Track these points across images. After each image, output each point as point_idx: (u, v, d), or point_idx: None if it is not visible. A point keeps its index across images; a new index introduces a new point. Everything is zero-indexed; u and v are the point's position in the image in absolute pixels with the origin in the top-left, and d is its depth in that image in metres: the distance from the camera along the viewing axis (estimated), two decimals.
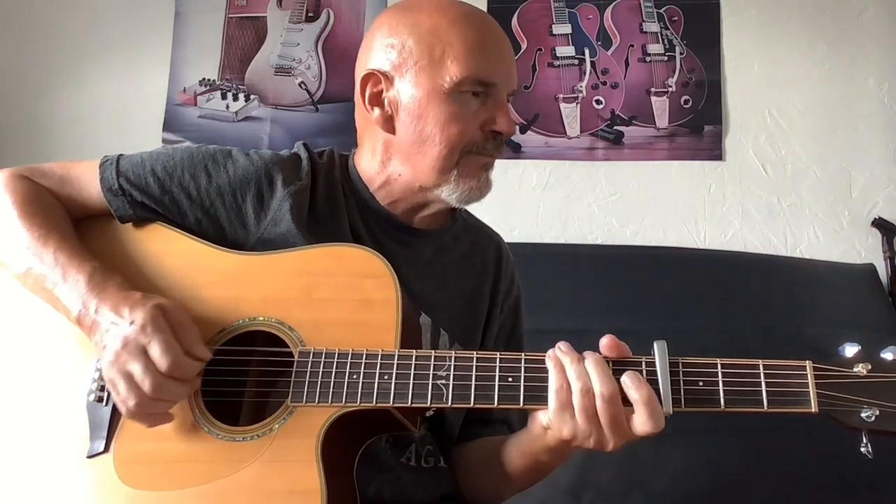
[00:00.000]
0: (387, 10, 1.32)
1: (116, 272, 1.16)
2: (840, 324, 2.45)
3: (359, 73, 1.30)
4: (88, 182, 1.26)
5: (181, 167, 1.26)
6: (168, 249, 1.23)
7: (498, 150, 1.27)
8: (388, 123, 1.27)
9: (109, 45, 3.11)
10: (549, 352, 1.05)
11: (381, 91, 1.27)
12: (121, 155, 1.28)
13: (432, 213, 1.35)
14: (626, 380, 1.02)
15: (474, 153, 1.25)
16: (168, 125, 3.06)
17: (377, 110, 1.27)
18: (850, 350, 1.03)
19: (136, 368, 1.04)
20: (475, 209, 1.50)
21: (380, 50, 1.27)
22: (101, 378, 1.13)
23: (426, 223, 1.37)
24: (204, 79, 3.09)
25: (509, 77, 1.27)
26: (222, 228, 1.26)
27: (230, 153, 1.29)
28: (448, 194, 1.27)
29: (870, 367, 1.01)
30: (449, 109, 1.23)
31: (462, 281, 1.38)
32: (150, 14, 3.13)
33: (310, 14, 3.11)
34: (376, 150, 1.31)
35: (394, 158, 1.30)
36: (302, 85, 3.06)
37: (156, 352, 1.04)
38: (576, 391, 1.01)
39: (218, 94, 3.07)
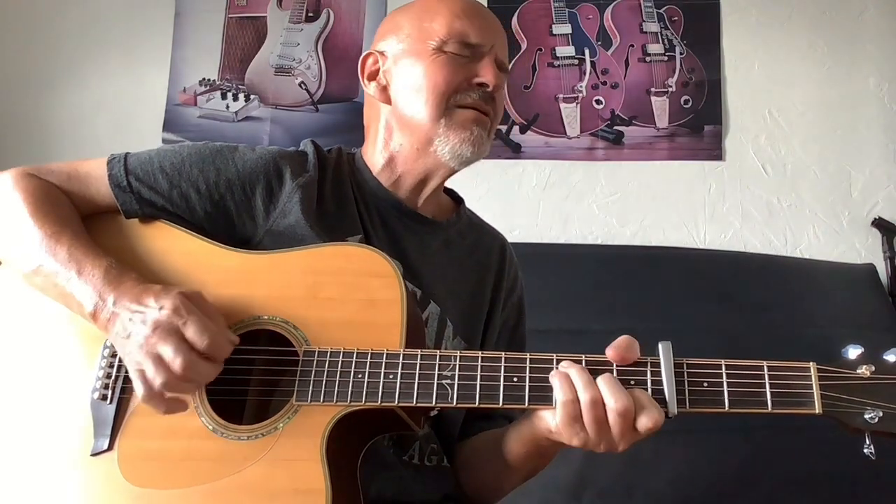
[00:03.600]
0: None
1: (132, 268, 1.16)
2: (840, 324, 2.46)
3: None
4: (96, 178, 1.26)
5: (189, 162, 1.27)
6: (172, 248, 1.23)
7: (486, 102, 1.32)
8: (384, 93, 1.37)
9: (110, 46, 3.11)
10: (555, 363, 1.05)
11: (378, 67, 1.39)
12: (128, 152, 1.29)
13: (435, 191, 1.38)
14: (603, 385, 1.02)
15: (463, 107, 1.31)
16: (168, 125, 3.06)
17: (373, 84, 1.39)
18: (854, 352, 1.04)
19: (167, 349, 1.03)
20: (478, 209, 1.51)
21: (379, 36, 1.42)
22: (105, 376, 1.14)
23: (432, 209, 1.40)
24: (204, 79, 3.09)
25: (493, 43, 1.34)
26: (231, 222, 1.27)
27: (237, 148, 1.31)
28: (442, 148, 1.31)
29: (873, 368, 1.01)
30: (437, 62, 1.32)
31: (466, 276, 1.40)
32: (150, 14, 3.13)
33: (310, 14, 3.11)
34: (379, 132, 1.38)
35: (394, 131, 1.36)
36: (302, 85, 3.06)
37: (192, 331, 1.04)
38: (585, 403, 1.01)
39: (218, 94, 3.07)
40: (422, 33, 1.34)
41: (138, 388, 1.05)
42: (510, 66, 2.89)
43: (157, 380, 1.04)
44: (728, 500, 2.20)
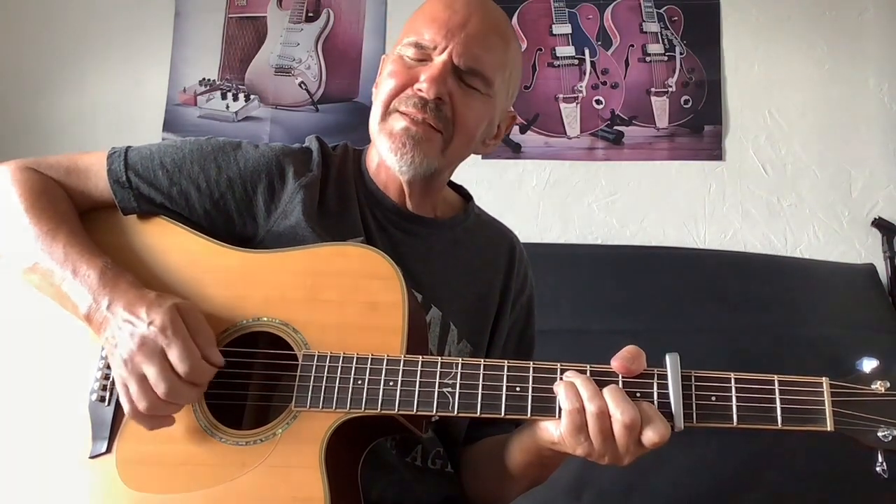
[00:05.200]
0: None
1: (129, 269, 1.14)
2: (840, 324, 2.46)
3: None
4: (96, 173, 1.25)
5: (190, 159, 1.25)
6: (172, 245, 1.22)
7: (422, 110, 1.22)
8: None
9: (109, 46, 3.11)
10: (559, 373, 1.04)
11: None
12: (129, 147, 1.27)
13: (424, 195, 1.34)
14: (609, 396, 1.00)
15: (398, 111, 1.24)
16: (168, 125, 3.06)
17: (374, 90, 1.33)
18: (868, 365, 1.00)
19: (152, 371, 1.03)
20: (483, 208, 1.49)
21: None
22: (104, 378, 1.13)
23: (432, 211, 1.37)
24: (204, 79, 3.09)
25: (454, 45, 1.24)
26: (231, 221, 1.26)
27: (239, 145, 1.29)
28: (380, 152, 1.27)
29: (888, 384, 0.98)
30: (391, 68, 1.28)
31: (474, 276, 1.37)
32: (150, 14, 3.13)
33: (310, 14, 3.11)
34: None
35: None
36: (302, 85, 3.06)
37: (174, 356, 1.03)
38: (591, 414, 0.99)
39: (218, 94, 3.07)
40: (400, 35, 1.30)
41: (124, 406, 1.06)
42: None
43: (141, 403, 1.04)
44: (728, 501, 2.20)
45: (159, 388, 1.03)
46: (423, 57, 1.25)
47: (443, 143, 1.26)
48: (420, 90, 1.22)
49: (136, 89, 3.08)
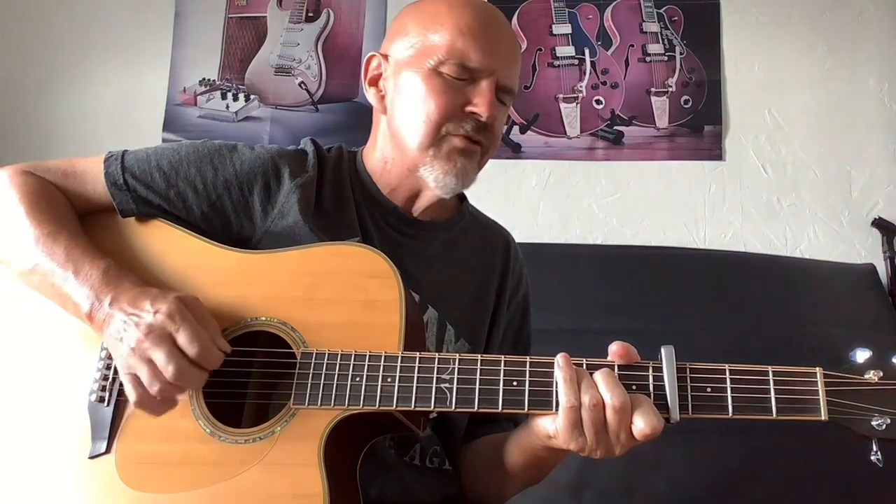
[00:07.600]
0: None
1: (131, 270, 1.15)
2: (840, 324, 2.46)
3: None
4: (93, 177, 1.25)
5: (186, 161, 1.26)
6: (170, 247, 1.22)
7: (477, 132, 1.25)
8: (382, 103, 1.33)
9: (109, 45, 3.12)
10: (558, 358, 1.04)
11: (381, 72, 1.33)
12: (125, 150, 1.28)
13: (431, 202, 1.34)
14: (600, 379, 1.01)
15: (452, 135, 1.25)
16: (168, 125, 3.06)
17: (373, 90, 1.34)
18: (862, 355, 1.01)
19: (160, 354, 1.03)
20: (483, 208, 1.50)
21: (388, 35, 1.35)
22: (103, 378, 1.13)
23: (430, 214, 1.37)
24: (204, 79, 3.09)
25: (498, 68, 1.26)
26: (229, 222, 1.26)
27: (235, 147, 1.30)
28: (427, 175, 1.27)
29: (881, 374, 0.99)
30: (431, 85, 1.25)
31: (470, 276, 1.38)
32: (150, 14, 3.13)
33: (310, 14, 3.11)
34: (377, 136, 1.35)
35: (388, 142, 1.33)
36: (302, 85, 3.06)
37: (184, 339, 1.04)
38: (586, 406, 1.00)
39: (218, 94, 3.07)
40: (424, 46, 1.27)
41: (130, 394, 1.05)
42: None
43: (154, 386, 1.04)
44: (728, 500, 2.20)
45: (168, 371, 1.03)
46: (471, 78, 1.25)
47: (480, 157, 1.29)
48: (478, 114, 1.24)
49: (136, 89, 3.08)
